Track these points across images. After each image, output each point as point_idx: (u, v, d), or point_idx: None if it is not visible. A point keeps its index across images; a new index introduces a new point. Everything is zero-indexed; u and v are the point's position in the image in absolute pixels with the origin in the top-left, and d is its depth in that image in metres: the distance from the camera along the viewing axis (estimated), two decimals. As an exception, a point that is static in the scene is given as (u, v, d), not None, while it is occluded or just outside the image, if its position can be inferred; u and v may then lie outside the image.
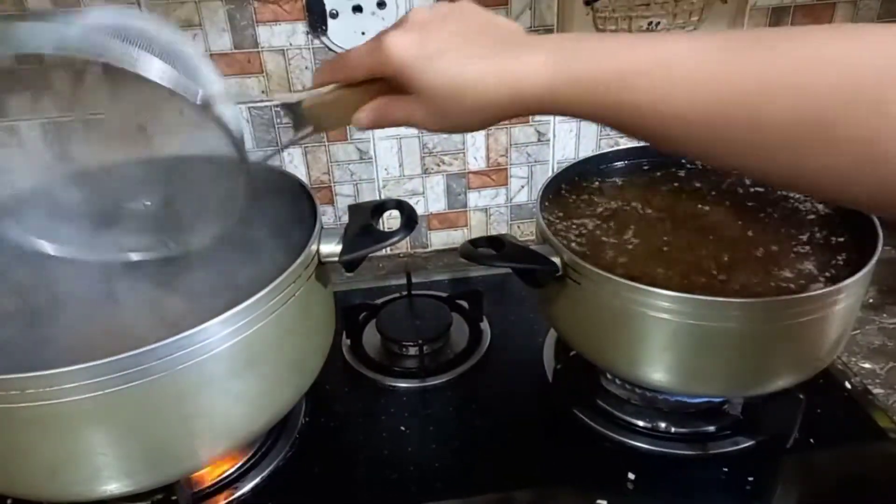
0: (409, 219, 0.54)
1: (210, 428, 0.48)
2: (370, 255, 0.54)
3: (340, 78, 0.44)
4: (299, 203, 0.59)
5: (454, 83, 0.39)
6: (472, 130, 0.43)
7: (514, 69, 0.38)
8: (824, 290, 0.49)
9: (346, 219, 0.57)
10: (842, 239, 0.58)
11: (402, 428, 0.63)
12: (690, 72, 0.34)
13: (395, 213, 0.57)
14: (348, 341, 0.73)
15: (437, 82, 0.39)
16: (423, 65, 0.39)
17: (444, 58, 0.39)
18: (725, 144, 0.34)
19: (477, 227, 0.92)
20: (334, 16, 0.75)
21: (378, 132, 0.83)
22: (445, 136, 0.84)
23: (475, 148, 0.86)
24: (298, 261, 0.50)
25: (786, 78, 0.32)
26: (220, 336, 0.45)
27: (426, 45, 0.39)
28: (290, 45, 0.76)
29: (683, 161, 0.72)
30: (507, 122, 0.84)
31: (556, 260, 0.55)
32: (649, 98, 0.35)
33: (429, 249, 0.92)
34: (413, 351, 0.71)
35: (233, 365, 0.47)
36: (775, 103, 0.32)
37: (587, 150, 0.88)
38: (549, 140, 0.87)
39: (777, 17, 0.82)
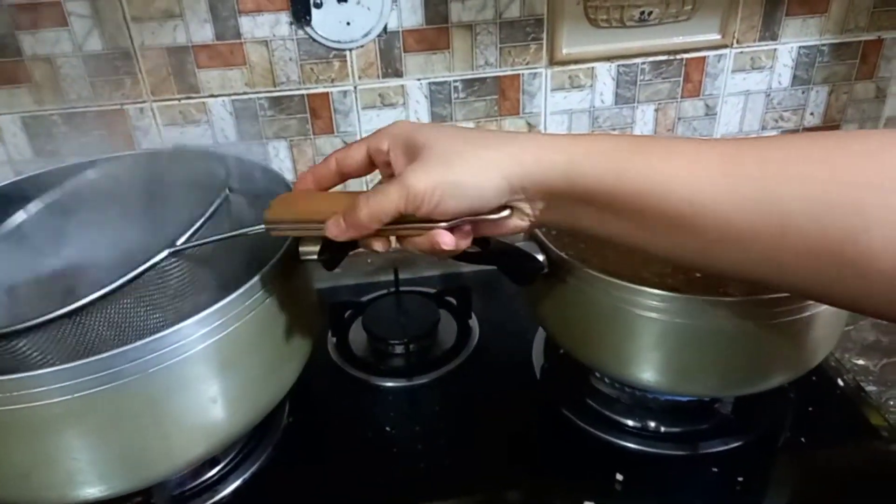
0: (392, 216, 0.53)
1: (186, 432, 0.47)
2: (353, 252, 0.53)
3: (332, 168, 0.45)
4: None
5: (466, 134, 0.40)
6: (476, 182, 0.38)
7: (529, 139, 0.39)
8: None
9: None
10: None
11: (388, 428, 0.62)
12: (710, 154, 0.35)
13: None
14: (334, 339, 0.72)
15: (447, 131, 0.40)
16: (432, 127, 0.41)
17: (449, 125, 0.42)
18: (739, 255, 0.34)
19: (467, 222, 0.91)
20: (318, 6, 0.73)
21: (365, 124, 0.81)
22: (434, 128, 0.82)
23: (464, 141, 0.84)
24: (274, 259, 0.48)
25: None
26: (194, 337, 0.44)
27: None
28: (274, 35, 0.75)
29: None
30: (497, 114, 0.83)
31: (542, 257, 0.53)
32: (668, 175, 0.35)
33: (418, 244, 0.91)
34: (400, 349, 0.69)
35: (209, 367, 0.46)
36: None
37: (579, 143, 0.87)
38: (539, 132, 0.85)
39: (772, 5, 0.81)
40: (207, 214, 0.47)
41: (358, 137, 0.82)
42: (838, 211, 0.31)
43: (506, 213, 0.40)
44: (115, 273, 0.44)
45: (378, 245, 0.43)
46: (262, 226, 0.44)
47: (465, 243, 0.42)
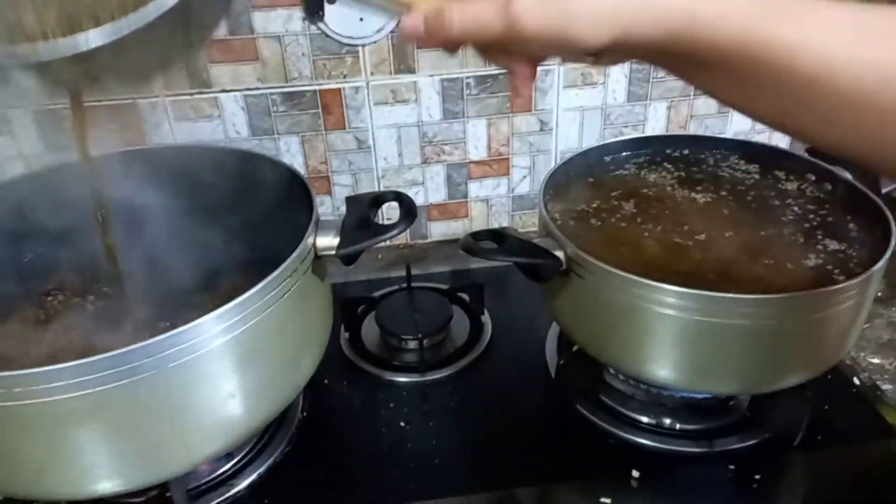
0: (409, 211, 0.53)
1: (203, 427, 0.47)
2: (368, 247, 0.53)
3: None
4: (296, 194, 0.57)
5: None
6: (583, 36, 0.33)
7: None
8: (838, 286, 0.48)
9: (343, 210, 0.56)
10: (851, 231, 0.57)
11: (402, 423, 0.62)
12: (846, 17, 0.31)
13: (394, 203, 0.55)
14: (347, 334, 0.72)
15: None
16: None
17: None
18: (869, 113, 0.31)
19: (478, 218, 0.90)
20: (331, 1, 0.72)
21: (377, 120, 0.81)
22: (447, 124, 0.82)
23: (476, 137, 0.84)
24: (294, 255, 0.48)
25: None
26: (213, 333, 0.44)
27: None
28: (287, 31, 0.74)
29: (688, 152, 0.70)
30: (509, 111, 0.83)
31: (560, 254, 0.53)
32: (800, 37, 0.31)
33: (429, 240, 0.91)
34: (413, 345, 0.69)
35: (227, 362, 0.46)
36: None
37: (591, 140, 0.86)
38: (551, 129, 0.85)
39: None
40: None
41: (370, 133, 0.82)
42: None
43: (592, 58, 0.36)
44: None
45: (449, 51, 0.37)
46: None
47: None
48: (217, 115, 0.78)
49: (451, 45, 0.36)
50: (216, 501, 0.55)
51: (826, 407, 0.61)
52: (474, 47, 0.37)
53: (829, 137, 0.34)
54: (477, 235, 0.56)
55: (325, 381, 0.66)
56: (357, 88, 0.79)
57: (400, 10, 0.36)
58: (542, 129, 0.85)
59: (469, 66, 0.79)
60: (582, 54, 0.35)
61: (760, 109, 0.35)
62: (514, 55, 0.37)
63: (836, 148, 0.35)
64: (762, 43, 0.32)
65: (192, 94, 0.76)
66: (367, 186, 0.85)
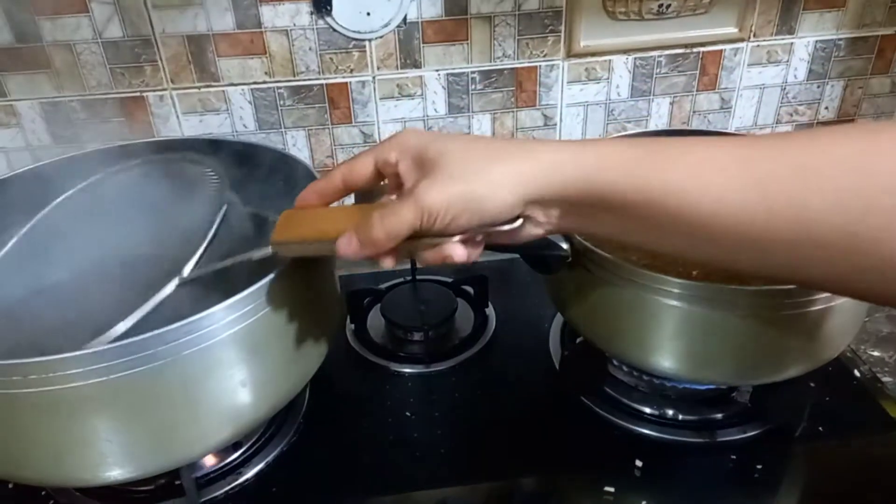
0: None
1: (215, 414, 0.47)
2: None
3: (338, 186, 0.43)
4: (303, 186, 0.58)
5: (477, 146, 0.38)
6: (493, 203, 0.37)
7: (542, 150, 0.38)
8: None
9: (348, 203, 0.56)
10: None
11: (408, 413, 0.63)
12: (719, 187, 0.34)
13: (402, 197, 0.56)
14: (353, 326, 0.73)
15: (459, 143, 0.38)
16: (441, 137, 0.39)
17: (460, 136, 0.39)
18: (759, 256, 0.34)
19: (482, 212, 0.91)
20: (339, -5, 0.73)
21: (383, 115, 0.81)
22: (451, 118, 0.83)
23: (481, 132, 0.85)
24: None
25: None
26: (225, 322, 0.44)
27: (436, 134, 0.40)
28: (294, 25, 0.75)
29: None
30: (513, 106, 0.83)
31: (567, 246, 0.54)
32: (679, 213, 0.35)
33: (433, 234, 0.91)
34: (418, 336, 0.70)
35: (238, 351, 0.46)
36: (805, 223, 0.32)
37: (594, 135, 0.87)
38: (555, 124, 0.86)
39: (789, 1, 0.81)
40: (209, 238, 0.48)
41: (375, 127, 0.82)
42: (872, 218, 0.30)
43: (518, 223, 0.39)
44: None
45: (388, 262, 0.41)
46: (269, 248, 0.44)
47: (476, 254, 0.41)
48: (225, 108, 0.78)
49: (384, 253, 0.40)
50: (225, 489, 0.56)
51: (827, 398, 0.62)
52: (407, 254, 0.41)
53: (743, 268, 0.37)
54: (484, 228, 0.57)
55: (332, 372, 0.67)
56: (363, 83, 0.79)
57: (331, 245, 0.40)
58: (546, 124, 0.86)
59: (474, 61, 0.79)
60: (512, 223, 0.39)
61: (671, 250, 0.38)
62: (446, 246, 0.39)
63: (756, 275, 0.38)
64: (651, 190, 0.35)
65: (199, 88, 0.77)
66: (373, 180, 0.86)
